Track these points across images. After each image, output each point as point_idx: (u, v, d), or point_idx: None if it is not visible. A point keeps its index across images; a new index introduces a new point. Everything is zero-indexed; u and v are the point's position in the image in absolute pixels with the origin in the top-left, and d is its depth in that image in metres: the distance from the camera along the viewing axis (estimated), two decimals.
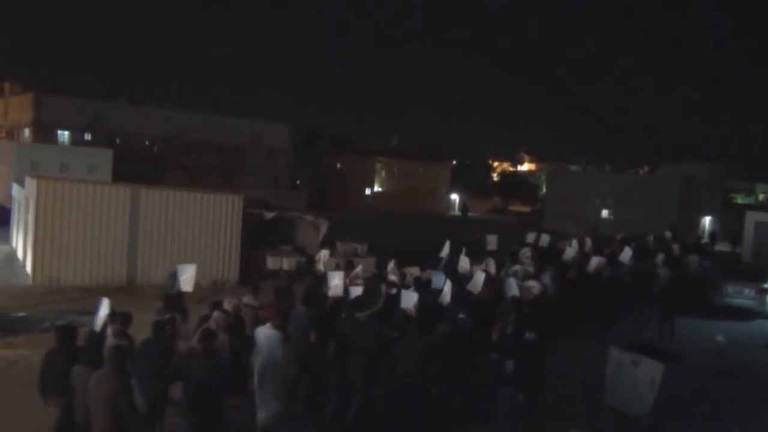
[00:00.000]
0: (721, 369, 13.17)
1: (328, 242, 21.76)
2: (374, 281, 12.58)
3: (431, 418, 8.86)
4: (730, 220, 39.40)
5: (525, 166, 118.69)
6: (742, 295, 18.44)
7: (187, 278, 10.87)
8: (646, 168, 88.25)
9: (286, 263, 20.33)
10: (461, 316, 9.98)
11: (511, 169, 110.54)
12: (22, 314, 13.89)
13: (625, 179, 58.31)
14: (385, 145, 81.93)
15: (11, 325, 12.88)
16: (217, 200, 19.08)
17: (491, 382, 10.20)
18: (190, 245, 18.46)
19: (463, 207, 65.53)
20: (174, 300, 9.77)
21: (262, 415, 8.12)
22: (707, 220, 47.81)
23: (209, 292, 17.70)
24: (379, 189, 67.97)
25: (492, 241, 18.82)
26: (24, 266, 18.89)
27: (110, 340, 7.69)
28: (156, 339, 7.93)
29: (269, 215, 21.18)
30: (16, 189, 23.50)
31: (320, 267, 14.80)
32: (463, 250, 15.95)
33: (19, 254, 20.51)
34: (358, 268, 13.26)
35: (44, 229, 17.00)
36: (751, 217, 29.34)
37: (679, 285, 16.20)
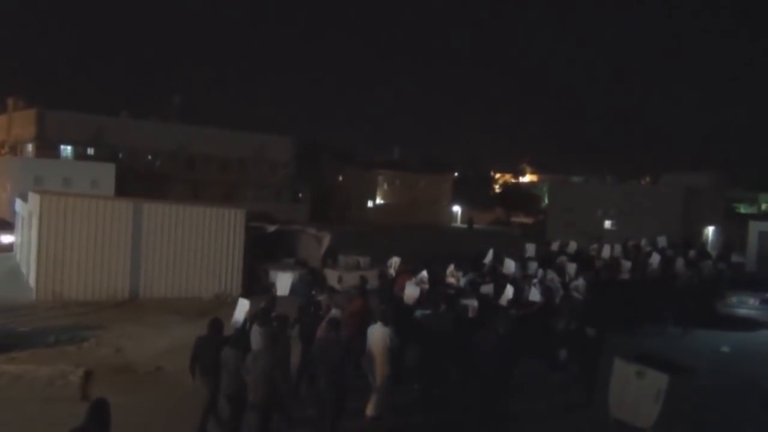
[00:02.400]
0: (727, 380, 13.10)
1: (330, 255, 21.73)
2: (436, 284, 14.67)
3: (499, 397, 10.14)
4: (739, 230, 39.24)
5: (527, 178, 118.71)
6: (746, 305, 18.34)
7: (283, 285, 13.38)
8: (648, 178, 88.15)
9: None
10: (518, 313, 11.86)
11: (513, 180, 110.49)
12: (25, 329, 13.89)
13: (628, 190, 58.21)
14: (387, 157, 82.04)
15: (15, 340, 12.86)
16: (220, 214, 19.11)
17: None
18: (193, 259, 18.48)
19: (469, 220, 65.51)
20: (273, 300, 11.16)
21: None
22: (710, 230, 47.72)
23: (212, 305, 17.72)
24: (381, 201, 68.03)
25: (530, 249, 20.62)
26: (27, 281, 18.91)
27: (259, 330, 9.08)
28: (281, 329, 9.27)
29: (271, 228, 21.18)
30: (19, 204, 23.58)
31: (391, 272, 16.55)
32: (504, 257, 17.96)
33: (23, 269, 20.54)
34: (423, 273, 15.15)
35: (47, 244, 17.03)
36: (755, 227, 29.21)
37: (698, 286, 18.17)
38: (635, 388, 9.69)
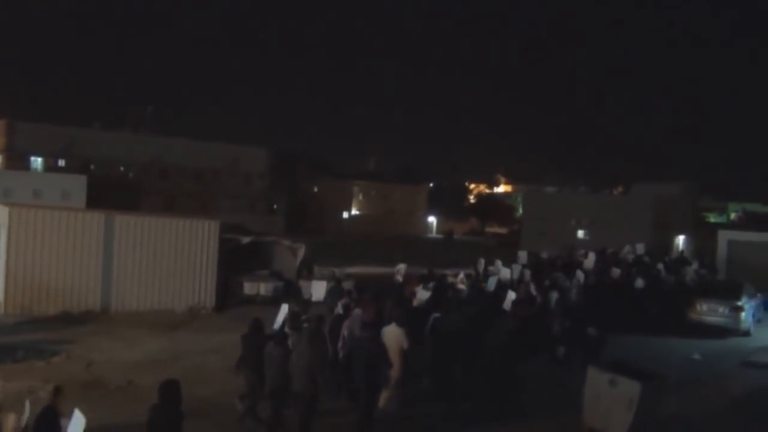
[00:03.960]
0: (699, 387, 13.27)
1: (305, 266, 21.64)
2: (446, 289, 16.03)
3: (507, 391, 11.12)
4: (708, 238, 39.96)
5: (501, 188, 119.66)
6: (716, 313, 18.63)
7: (318, 292, 14.92)
8: (620, 188, 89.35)
9: (263, 288, 20.17)
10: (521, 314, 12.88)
11: (487, 190, 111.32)
12: None
13: (600, 200, 58.92)
14: (362, 168, 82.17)
15: None
16: (194, 226, 18.92)
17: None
18: (166, 271, 18.25)
19: (450, 231, 65.52)
20: (307, 305, 12.97)
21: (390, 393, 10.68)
22: (681, 239, 48.40)
23: (185, 318, 17.53)
24: (357, 212, 67.98)
25: (523, 256, 22.22)
26: None
27: (291, 332, 10.04)
28: (318, 329, 10.25)
29: (246, 240, 21.03)
30: None
31: (398, 278, 17.80)
32: (499, 262, 19.68)
33: None
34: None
35: (16, 257, 16.70)
36: (724, 236, 29.76)
37: (683, 290, 20.05)
38: (608, 396, 9.77)
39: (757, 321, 20.09)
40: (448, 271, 19.30)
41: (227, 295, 19.59)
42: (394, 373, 10.45)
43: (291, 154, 69.73)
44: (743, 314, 18.55)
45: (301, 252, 21.73)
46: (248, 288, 20.10)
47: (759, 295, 20.53)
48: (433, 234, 71.57)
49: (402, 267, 18.66)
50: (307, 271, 21.43)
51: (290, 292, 20.54)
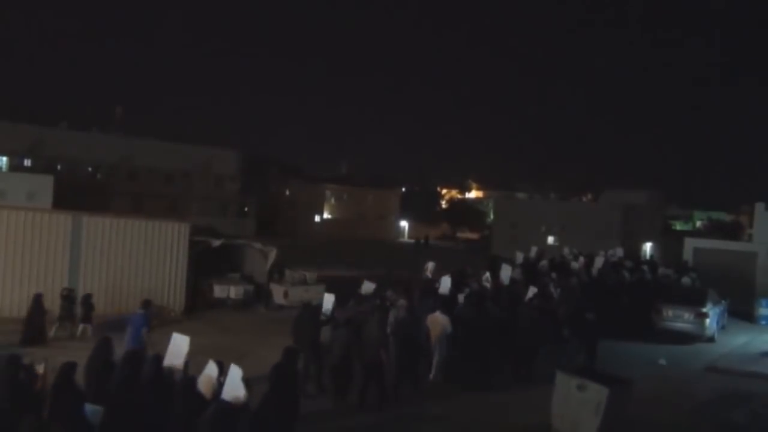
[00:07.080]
0: (665, 392, 13.48)
1: (276, 270, 21.49)
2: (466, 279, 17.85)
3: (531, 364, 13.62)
4: (675, 246, 40.65)
5: (473, 194, 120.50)
6: (682, 320, 18.95)
7: (368, 287, 15.56)
8: (589, 196, 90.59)
9: (234, 291, 20.00)
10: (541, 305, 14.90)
11: (459, 196, 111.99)
12: None
13: (570, 207, 59.75)
14: (335, 172, 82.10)
15: None
16: (163, 228, 18.69)
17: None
18: (135, 274, 18.00)
19: (425, 236, 65.63)
20: (361, 297, 14.71)
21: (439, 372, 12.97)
22: (648, 246, 49.24)
23: (154, 321, 17.25)
24: (329, 216, 67.83)
25: (520, 257, 23.33)
26: None
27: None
28: (379, 315, 12.42)
29: (216, 243, 20.81)
30: None
31: (428, 274, 19.12)
32: (501, 263, 20.52)
33: None
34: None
35: None
36: (690, 244, 30.30)
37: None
38: (576, 401, 9.90)
39: (721, 327, 20.52)
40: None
41: (197, 298, 19.39)
42: (436, 348, 12.57)
43: (263, 157, 69.38)
44: (708, 320, 18.88)
45: (273, 255, 21.54)
46: (218, 291, 19.92)
47: (723, 301, 20.93)
48: (405, 239, 71.69)
49: (431, 264, 19.83)
50: (278, 274, 21.28)
51: (261, 295, 20.45)
